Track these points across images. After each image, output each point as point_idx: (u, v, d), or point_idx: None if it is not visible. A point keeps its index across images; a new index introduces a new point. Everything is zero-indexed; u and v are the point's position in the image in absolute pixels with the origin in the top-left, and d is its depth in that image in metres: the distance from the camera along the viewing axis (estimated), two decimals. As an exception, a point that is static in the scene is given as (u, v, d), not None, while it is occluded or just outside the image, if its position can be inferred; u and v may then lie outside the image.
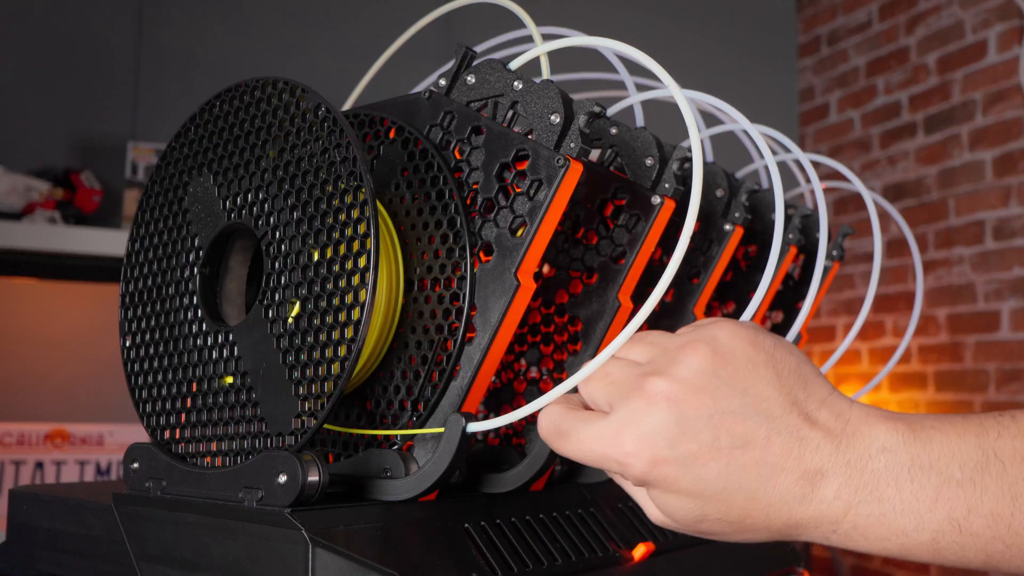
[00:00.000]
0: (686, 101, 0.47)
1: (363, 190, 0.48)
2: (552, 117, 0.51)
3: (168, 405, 0.55)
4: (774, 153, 0.80)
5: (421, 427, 0.51)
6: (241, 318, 0.55)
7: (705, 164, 0.72)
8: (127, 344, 0.59)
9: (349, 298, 0.47)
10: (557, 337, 0.60)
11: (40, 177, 1.77)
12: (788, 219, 0.77)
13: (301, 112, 0.52)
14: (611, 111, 0.64)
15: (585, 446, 0.41)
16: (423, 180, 0.54)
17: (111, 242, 1.69)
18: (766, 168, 0.84)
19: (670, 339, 0.42)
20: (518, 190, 0.51)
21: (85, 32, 1.95)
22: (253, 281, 0.57)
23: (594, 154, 0.60)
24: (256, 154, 0.53)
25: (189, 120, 0.58)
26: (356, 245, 0.48)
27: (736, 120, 0.56)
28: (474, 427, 0.49)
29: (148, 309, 0.58)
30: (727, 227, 0.70)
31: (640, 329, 0.43)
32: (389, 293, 0.52)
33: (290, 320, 0.50)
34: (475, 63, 0.55)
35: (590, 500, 0.60)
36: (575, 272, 0.61)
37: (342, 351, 0.47)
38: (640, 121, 0.67)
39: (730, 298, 0.79)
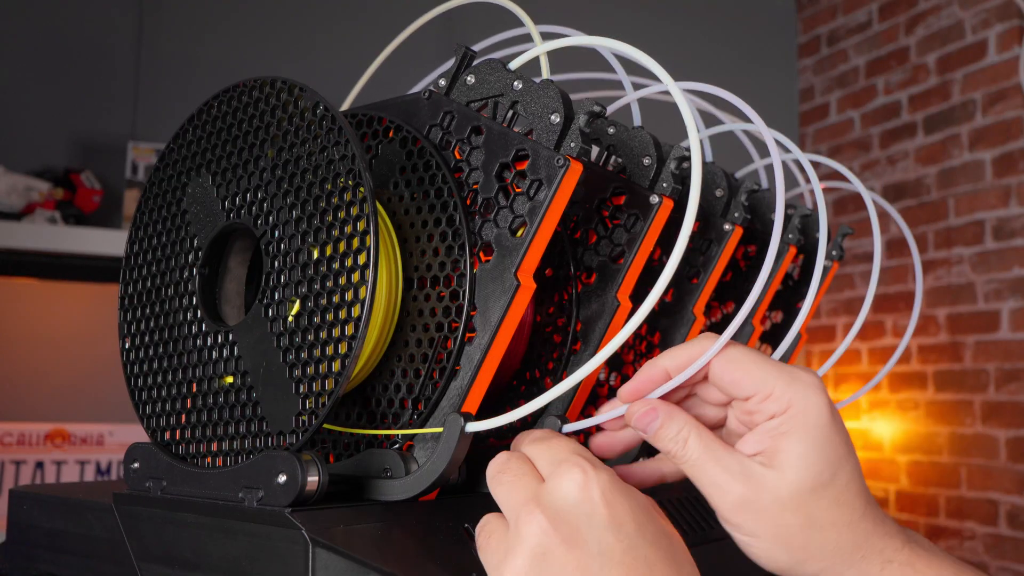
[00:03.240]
0: (685, 99, 0.47)
1: (362, 187, 0.48)
2: (552, 117, 0.51)
3: (168, 406, 0.55)
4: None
5: (422, 427, 0.51)
6: (240, 318, 0.55)
7: (704, 164, 0.72)
8: (127, 346, 0.59)
9: (349, 295, 0.47)
10: (556, 337, 0.60)
11: (40, 177, 1.77)
12: (788, 219, 0.77)
13: (299, 111, 0.52)
14: (610, 110, 0.64)
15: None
16: (422, 179, 0.54)
17: (111, 242, 1.69)
18: (768, 167, 0.85)
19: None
20: (518, 190, 0.51)
21: (85, 32, 1.95)
22: (252, 281, 0.57)
23: (592, 153, 0.60)
24: (255, 154, 0.53)
25: (187, 121, 0.58)
26: (355, 242, 0.48)
27: (728, 99, 0.56)
28: (473, 427, 0.49)
29: (147, 311, 0.58)
30: (726, 227, 0.70)
31: (640, 329, 0.43)
32: (389, 291, 0.52)
33: (290, 319, 0.50)
34: (475, 63, 0.55)
35: (590, 500, 0.60)
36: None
37: (343, 348, 0.47)
38: (638, 120, 0.67)
39: (729, 298, 0.79)
